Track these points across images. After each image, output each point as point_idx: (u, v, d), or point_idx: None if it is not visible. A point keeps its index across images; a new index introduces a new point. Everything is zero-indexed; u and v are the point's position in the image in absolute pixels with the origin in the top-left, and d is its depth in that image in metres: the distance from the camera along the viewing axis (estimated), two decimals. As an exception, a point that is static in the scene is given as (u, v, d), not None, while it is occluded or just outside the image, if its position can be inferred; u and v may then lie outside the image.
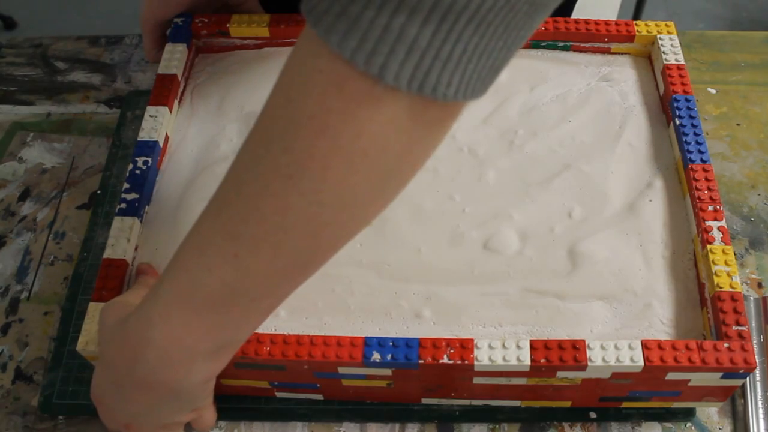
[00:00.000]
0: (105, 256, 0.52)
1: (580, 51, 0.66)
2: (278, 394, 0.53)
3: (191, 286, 0.39)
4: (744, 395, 0.53)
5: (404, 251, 0.54)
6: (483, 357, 0.46)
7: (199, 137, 0.62)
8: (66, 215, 0.64)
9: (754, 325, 0.55)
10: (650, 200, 0.56)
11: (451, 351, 0.46)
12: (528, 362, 0.46)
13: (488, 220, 0.55)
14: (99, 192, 0.65)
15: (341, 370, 0.48)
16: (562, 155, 0.59)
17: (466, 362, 0.46)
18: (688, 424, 0.52)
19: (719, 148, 0.67)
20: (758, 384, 0.53)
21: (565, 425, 0.52)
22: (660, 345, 0.46)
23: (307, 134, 0.34)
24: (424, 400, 0.52)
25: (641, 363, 0.45)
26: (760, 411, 0.52)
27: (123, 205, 0.54)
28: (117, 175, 0.66)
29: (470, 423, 0.52)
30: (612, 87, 0.63)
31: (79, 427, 0.53)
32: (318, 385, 0.51)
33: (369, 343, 0.47)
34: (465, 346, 0.46)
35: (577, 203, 0.56)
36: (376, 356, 0.46)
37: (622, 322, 0.51)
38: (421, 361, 0.46)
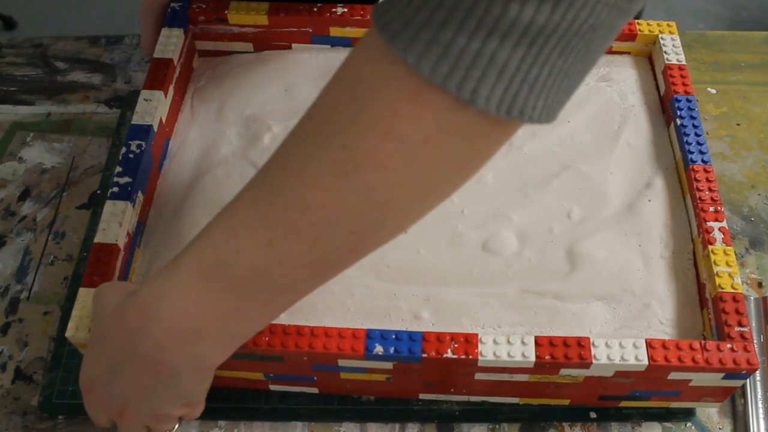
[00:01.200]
0: (96, 240, 0.51)
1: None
2: (272, 387, 0.52)
3: (216, 265, 0.38)
4: (744, 395, 0.53)
5: (403, 252, 0.54)
6: (487, 352, 0.45)
7: (199, 141, 0.62)
8: (66, 215, 0.64)
9: (754, 324, 0.55)
10: (649, 200, 0.56)
11: (455, 345, 0.46)
12: (533, 358, 0.45)
13: (487, 221, 0.55)
14: (99, 192, 0.65)
15: (341, 362, 0.47)
16: (561, 156, 0.59)
17: (470, 357, 0.45)
18: (688, 424, 0.52)
19: (719, 148, 0.67)
20: (758, 384, 0.53)
21: (565, 425, 0.52)
22: (664, 344, 0.46)
23: (371, 135, 0.34)
24: (422, 396, 0.52)
25: (645, 362, 0.45)
26: (760, 411, 0.52)
27: (115, 189, 0.53)
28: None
29: (470, 423, 0.52)
30: (611, 87, 0.63)
31: (79, 427, 0.53)
32: (314, 378, 0.50)
33: (371, 335, 0.46)
34: (469, 340, 0.46)
35: (576, 204, 0.56)
36: (378, 349, 0.46)
37: (621, 323, 0.51)
38: (424, 355, 0.46)
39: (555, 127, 0.60)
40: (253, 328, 0.43)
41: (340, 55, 0.66)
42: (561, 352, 0.45)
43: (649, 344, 0.46)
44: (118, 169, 0.54)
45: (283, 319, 0.51)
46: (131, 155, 0.55)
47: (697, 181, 0.54)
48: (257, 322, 0.42)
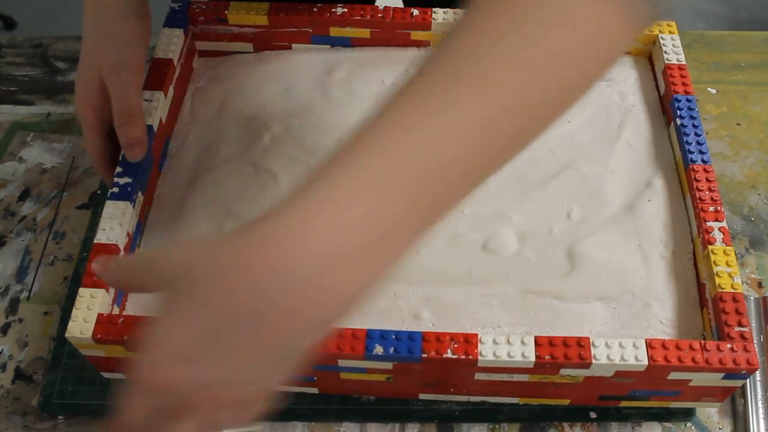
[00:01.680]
0: (96, 240, 0.51)
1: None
2: None
3: (401, 162, 0.32)
4: (744, 395, 0.53)
5: (404, 252, 0.54)
6: (487, 352, 0.46)
7: (199, 140, 0.62)
8: (66, 215, 0.64)
9: (754, 324, 0.55)
10: (649, 200, 0.56)
11: (455, 345, 0.46)
12: (533, 359, 0.45)
13: (487, 221, 0.55)
14: (99, 192, 0.65)
15: (341, 362, 0.47)
16: (561, 156, 0.59)
17: (470, 357, 0.45)
18: (688, 424, 0.52)
19: (719, 147, 0.67)
20: (758, 384, 0.53)
21: (565, 425, 0.52)
22: (664, 344, 0.46)
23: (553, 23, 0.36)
24: (422, 396, 0.52)
25: (645, 362, 0.45)
26: (760, 411, 0.52)
27: (115, 189, 0.53)
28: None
29: (470, 423, 0.52)
30: (611, 87, 0.63)
31: (79, 427, 0.53)
32: (314, 378, 0.50)
33: (371, 335, 0.46)
34: (469, 341, 0.46)
35: (575, 204, 0.56)
36: (378, 349, 0.46)
37: (620, 323, 0.51)
38: (424, 355, 0.46)
39: (555, 127, 0.60)
40: (408, 244, 0.36)
41: (340, 55, 0.67)
42: (561, 352, 0.45)
43: (649, 344, 0.46)
44: (118, 169, 0.54)
45: None
46: None
47: (697, 180, 0.54)
48: (416, 234, 0.35)
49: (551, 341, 0.46)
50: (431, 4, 0.76)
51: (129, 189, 0.53)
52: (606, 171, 0.58)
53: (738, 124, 0.69)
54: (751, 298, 0.57)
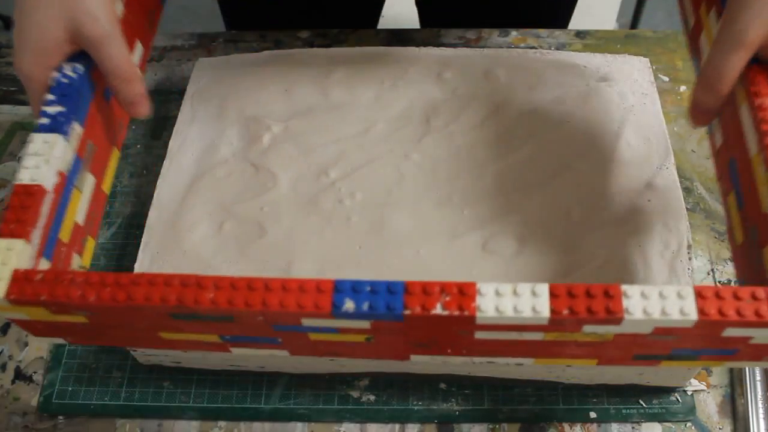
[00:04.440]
0: (17, 181, 0.42)
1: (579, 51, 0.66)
2: (233, 350, 0.44)
3: None
4: (744, 395, 0.53)
5: (403, 253, 0.54)
6: (488, 307, 0.36)
7: (199, 141, 0.62)
8: (66, 215, 0.64)
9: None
10: (649, 200, 0.56)
11: (447, 299, 0.36)
12: (546, 314, 0.36)
13: (487, 221, 0.55)
14: (99, 192, 0.65)
15: (305, 322, 0.38)
16: (561, 156, 0.59)
17: (466, 313, 0.36)
18: (688, 424, 0.52)
19: (719, 148, 0.67)
20: (758, 384, 0.53)
21: (565, 425, 0.52)
22: (718, 293, 0.36)
23: None
24: (415, 358, 0.43)
25: (693, 316, 0.36)
26: (760, 411, 0.52)
27: (44, 120, 0.44)
28: (117, 175, 0.66)
29: (470, 423, 0.52)
30: (611, 87, 0.63)
31: (79, 427, 0.53)
32: (279, 340, 0.42)
33: (340, 288, 0.37)
34: (464, 292, 0.37)
35: (575, 204, 0.56)
36: (348, 305, 0.37)
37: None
38: (407, 312, 0.36)
39: (555, 127, 0.60)
40: None
41: (341, 55, 0.67)
42: (583, 304, 0.36)
43: (699, 293, 0.36)
44: (49, 96, 0.45)
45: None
46: (65, 80, 0.46)
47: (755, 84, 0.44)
48: None
49: (570, 290, 0.36)
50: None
51: (61, 119, 0.44)
52: (606, 171, 0.58)
53: (738, 124, 0.69)
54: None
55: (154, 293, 0.38)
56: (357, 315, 0.37)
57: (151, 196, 0.58)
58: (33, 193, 0.42)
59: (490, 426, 0.53)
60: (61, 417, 0.54)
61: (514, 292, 0.37)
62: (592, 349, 0.40)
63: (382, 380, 0.54)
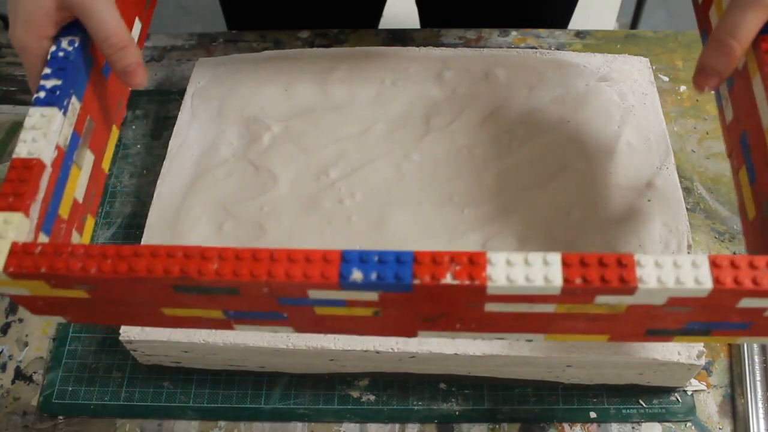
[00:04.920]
0: (15, 155, 0.42)
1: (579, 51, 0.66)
2: (236, 327, 0.43)
3: None
4: (744, 395, 0.53)
5: (404, 251, 0.54)
6: (499, 276, 0.35)
7: (199, 141, 0.62)
8: (66, 215, 0.64)
9: None
10: (649, 200, 0.56)
11: (457, 268, 0.36)
12: (559, 283, 0.35)
13: (487, 221, 0.55)
14: (99, 192, 0.65)
15: (312, 294, 0.37)
16: (561, 156, 0.59)
17: (477, 282, 0.35)
18: (688, 424, 0.52)
19: (719, 147, 0.67)
20: (758, 384, 0.53)
21: (565, 425, 0.52)
22: (733, 262, 0.35)
23: None
24: (422, 333, 0.42)
25: (708, 285, 0.35)
26: (760, 411, 0.52)
27: (41, 94, 0.44)
28: (117, 175, 0.66)
29: (470, 423, 0.53)
30: (611, 87, 0.63)
31: (79, 427, 0.53)
32: (285, 315, 0.41)
33: (347, 258, 0.36)
34: (475, 261, 0.36)
35: (575, 204, 0.56)
36: (356, 275, 0.36)
37: (621, 322, 0.50)
38: (416, 281, 0.36)
39: (555, 127, 0.60)
40: None
41: (341, 55, 0.67)
42: (596, 273, 0.35)
43: (714, 262, 0.35)
44: (46, 70, 0.45)
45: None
46: (61, 53, 0.45)
47: None
48: None
49: (583, 260, 0.36)
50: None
51: (58, 93, 0.44)
52: (605, 171, 0.58)
53: (738, 124, 0.69)
54: None
55: (156, 265, 0.36)
56: (365, 285, 0.36)
57: (151, 196, 0.58)
58: (31, 166, 0.41)
59: (490, 426, 0.53)
60: (61, 417, 0.54)
61: (526, 261, 0.36)
62: (603, 323, 0.39)
63: (382, 380, 0.54)
